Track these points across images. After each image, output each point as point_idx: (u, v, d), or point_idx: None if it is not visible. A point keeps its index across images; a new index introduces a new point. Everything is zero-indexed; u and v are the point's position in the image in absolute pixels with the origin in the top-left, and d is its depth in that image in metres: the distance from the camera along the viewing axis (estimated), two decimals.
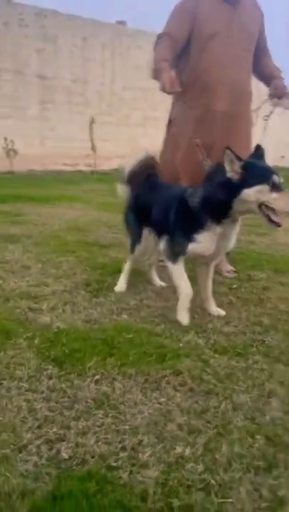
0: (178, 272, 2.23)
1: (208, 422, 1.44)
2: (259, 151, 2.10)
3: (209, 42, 2.73)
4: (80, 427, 1.39)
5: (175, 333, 2.08)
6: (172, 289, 2.62)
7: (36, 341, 1.90)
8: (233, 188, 1.95)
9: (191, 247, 2.13)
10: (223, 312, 2.35)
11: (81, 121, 9.43)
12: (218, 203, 2.02)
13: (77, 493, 1.10)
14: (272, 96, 2.82)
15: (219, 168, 2.01)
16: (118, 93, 10.10)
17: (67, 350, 1.81)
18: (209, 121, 2.75)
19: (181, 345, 1.95)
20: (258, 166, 2.00)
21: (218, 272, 3.06)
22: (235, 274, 3.04)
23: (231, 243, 2.22)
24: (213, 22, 2.73)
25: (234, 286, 2.80)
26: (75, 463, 1.24)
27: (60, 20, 9.34)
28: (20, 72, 9.04)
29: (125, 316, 2.26)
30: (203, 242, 2.10)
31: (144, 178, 2.51)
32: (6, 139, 8.49)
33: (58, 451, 1.28)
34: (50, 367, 1.72)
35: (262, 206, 1.96)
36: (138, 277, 2.84)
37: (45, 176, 8.95)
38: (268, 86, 2.91)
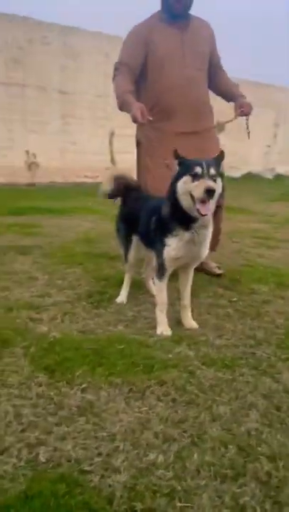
0: (161, 286, 2.34)
1: (184, 432, 1.49)
2: (219, 155, 2.14)
3: (164, 66, 2.88)
4: (61, 432, 1.46)
5: (166, 344, 2.14)
6: (170, 301, 2.69)
7: (32, 350, 1.99)
8: (173, 187, 2.09)
9: (165, 252, 2.21)
10: (195, 325, 2.38)
11: (102, 135, 9.59)
12: (173, 205, 2.12)
13: (47, 494, 1.18)
14: (239, 114, 2.95)
15: None
16: None
17: (58, 359, 1.90)
18: (173, 142, 2.74)
19: (170, 356, 2.01)
20: (189, 161, 2.07)
21: (208, 272, 3.25)
22: (222, 270, 3.26)
23: (204, 249, 2.26)
24: (165, 47, 2.87)
25: (234, 299, 2.83)
26: (50, 466, 1.31)
27: (83, 37, 9.59)
28: (44, 88, 9.32)
29: (121, 327, 2.33)
30: (173, 247, 2.18)
31: (122, 193, 2.70)
32: (27, 152, 8.74)
33: (37, 455, 1.36)
34: (42, 375, 1.80)
35: (193, 198, 2.02)
36: (141, 289, 2.92)
37: (65, 188, 9.15)
38: (228, 101, 3.09)
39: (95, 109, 9.87)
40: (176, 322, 2.44)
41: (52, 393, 1.68)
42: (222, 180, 2.10)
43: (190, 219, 2.11)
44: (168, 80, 2.89)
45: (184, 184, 2.04)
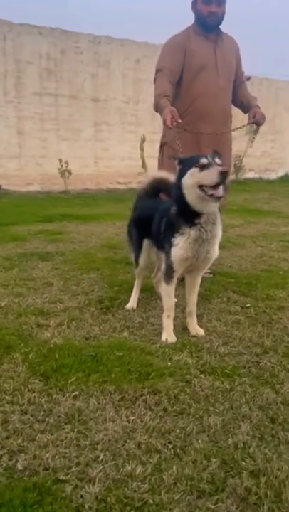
0: (168, 291, 2.31)
1: (169, 442, 1.45)
2: (215, 153, 2.15)
3: (199, 74, 3.07)
4: (44, 440, 1.46)
5: (168, 351, 2.10)
6: (180, 308, 2.66)
7: (31, 356, 2.01)
8: (178, 184, 2.12)
9: (173, 252, 2.19)
10: (201, 332, 2.33)
11: (134, 141, 9.67)
12: (179, 203, 2.13)
13: (16, 503, 1.17)
14: (252, 122, 3.16)
15: None
16: None
17: (55, 366, 1.90)
18: (199, 143, 3.03)
19: (169, 364, 1.97)
20: (190, 157, 2.15)
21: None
22: (211, 275, 3.28)
23: (213, 249, 2.23)
24: (201, 56, 3.08)
25: (247, 305, 2.75)
26: (27, 474, 1.31)
27: (113, 45, 9.70)
28: (76, 97, 9.48)
29: (125, 334, 2.31)
30: (180, 246, 2.16)
31: (155, 195, 2.67)
32: (60, 160, 8.91)
33: (16, 462, 1.36)
34: (37, 381, 1.81)
35: (203, 188, 2.04)
36: (153, 295, 2.90)
37: (97, 194, 9.26)
38: (245, 112, 3.28)
39: (124, 115, 9.94)
40: (182, 328, 2.40)
41: (43, 400, 1.68)
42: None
43: (195, 215, 2.11)
44: (201, 86, 3.09)
45: (192, 176, 2.06)
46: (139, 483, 1.27)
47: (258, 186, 11.14)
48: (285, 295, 2.96)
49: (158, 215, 2.42)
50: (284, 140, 13.23)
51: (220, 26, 3.15)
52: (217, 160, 2.05)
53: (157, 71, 3.10)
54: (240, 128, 3.27)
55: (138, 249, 2.67)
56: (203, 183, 2.03)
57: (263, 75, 12.50)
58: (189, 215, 2.13)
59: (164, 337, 2.26)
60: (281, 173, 13.06)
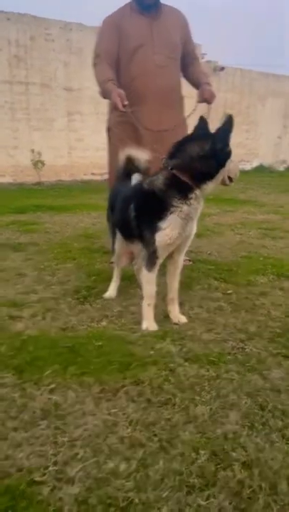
0: (150, 278, 2.17)
1: (154, 435, 1.35)
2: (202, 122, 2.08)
3: (134, 54, 2.86)
4: (18, 438, 1.34)
5: (150, 340, 2.00)
6: (160, 296, 2.55)
7: (2, 349, 1.87)
8: (218, 161, 1.99)
9: (158, 237, 2.04)
10: (184, 319, 2.24)
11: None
12: (172, 178, 2.01)
13: None
14: (200, 101, 2.92)
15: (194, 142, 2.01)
16: None
17: (29, 358, 1.77)
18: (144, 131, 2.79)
19: (151, 353, 1.87)
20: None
21: None
22: (191, 262, 3.19)
23: (194, 226, 2.15)
24: (136, 35, 2.86)
25: (229, 291, 2.67)
26: None
27: (85, 33, 9.46)
28: (48, 86, 9.24)
29: (104, 323, 2.20)
30: (169, 227, 2.01)
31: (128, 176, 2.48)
32: (33, 150, 8.67)
33: None
34: (10, 375, 1.68)
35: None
36: (133, 283, 2.78)
37: (72, 185, 9.06)
38: (197, 89, 3.04)
39: (98, 105, 9.75)
40: (164, 316, 2.30)
41: (16, 395, 1.55)
42: None
43: (190, 189, 1.99)
44: (137, 67, 2.87)
45: (230, 164, 2.03)
46: (123, 480, 1.17)
47: None
48: (266, 281, 2.89)
49: (122, 201, 2.28)
50: (258, 131, 13.27)
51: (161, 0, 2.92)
52: None
53: (96, 56, 2.88)
54: (192, 112, 2.91)
55: (113, 234, 2.55)
56: (230, 175, 2.04)
57: (237, 66, 12.48)
58: (182, 190, 1.99)
59: (144, 325, 2.15)
60: (256, 163, 13.11)
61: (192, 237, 2.20)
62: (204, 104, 2.98)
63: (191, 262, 3.23)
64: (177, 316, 2.24)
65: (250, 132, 13.12)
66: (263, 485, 1.15)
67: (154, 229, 2.04)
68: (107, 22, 2.93)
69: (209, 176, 1.99)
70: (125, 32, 2.85)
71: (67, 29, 9.28)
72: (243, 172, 12.18)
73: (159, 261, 2.15)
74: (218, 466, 1.22)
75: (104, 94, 2.79)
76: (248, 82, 12.81)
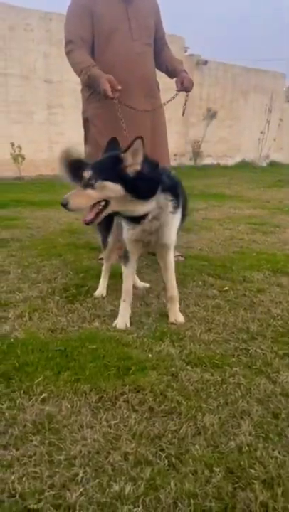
0: (125, 273, 2.12)
1: (162, 450, 1.21)
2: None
3: (110, 40, 2.70)
4: (8, 457, 1.18)
5: (147, 342, 1.86)
6: (154, 294, 2.43)
7: None
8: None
9: (124, 233, 2.04)
10: (181, 319, 2.10)
11: None
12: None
13: None
14: (180, 89, 2.85)
15: None
16: None
17: (18, 364, 1.62)
18: (125, 118, 2.63)
19: (150, 356, 1.73)
20: None
21: None
22: (183, 258, 3.09)
23: (165, 236, 2.00)
24: (110, 19, 2.71)
25: (225, 288, 2.55)
26: None
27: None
28: (27, 77, 8.97)
29: (96, 324, 2.05)
30: (129, 227, 1.99)
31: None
32: (12, 144, 8.41)
33: None
34: None
35: None
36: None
37: (53, 180, 8.82)
38: (172, 78, 2.98)
39: (79, 98, 9.54)
40: (160, 315, 2.16)
41: (4, 406, 1.40)
42: None
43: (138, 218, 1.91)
44: (116, 54, 2.72)
45: None
46: (131, 506, 1.03)
47: (216, 172, 11.06)
48: (262, 277, 2.78)
49: None
50: (241, 126, 13.24)
51: None
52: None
53: (68, 42, 2.69)
54: (171, 100, 2.83)
55: (106, 228, 2.39)
56: None
57: (219, 60, 12.39)
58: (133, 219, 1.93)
59: (115, 322, 2.05)
60: (238, 158, 13.08)
61: (167, 244, 2.06)
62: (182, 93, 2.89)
63: (183, 258, 3.10)
64: (175, 315, 2.11)
65: (232, 127, 13.08)
66: None
67: (122, 226, 2.05)
68: (75, 4, 2.73)
69: None
70: (98, 15, 2.67)
71: (47, 19, 9.03)
72: (226, 167, 12.17)
73: (132, 257, 2.09)
74: (236, 486, 1.09)
75: (91, 80, 2.61)
76: (231, 77, 12.75)
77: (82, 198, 1.78)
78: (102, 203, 1.81)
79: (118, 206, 1.83)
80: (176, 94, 2.87)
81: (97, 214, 1.83)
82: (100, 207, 1.82)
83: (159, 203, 1.88)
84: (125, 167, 1.76)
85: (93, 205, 1.81)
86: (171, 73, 3.01)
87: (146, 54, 2.86)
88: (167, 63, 3.01)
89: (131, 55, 2.74)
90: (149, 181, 1.82)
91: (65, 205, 1.77)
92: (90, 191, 1.76)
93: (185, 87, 2.83)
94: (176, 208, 1.95)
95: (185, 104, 2.93)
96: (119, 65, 2.70)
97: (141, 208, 1.84)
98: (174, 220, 1.99)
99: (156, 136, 2.87)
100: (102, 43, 2.70)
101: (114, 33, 2.69)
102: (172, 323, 2.08)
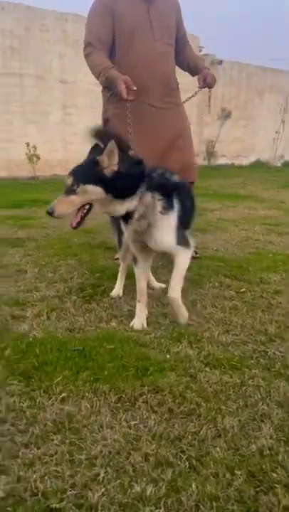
0: (136, 273, 2.14)
1: (182, 452, 1.21)
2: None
3: (133, 40, 2.69)
4: (30, 456, 1.19)
5: (165, 342, 1.86)
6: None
7: (7, 352, 1.72)
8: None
9: (125, 234, 2.06)
10: (182, 320, 2.06)
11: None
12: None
13: None
14: (202, 86, 2.86)
15: None
16: None
17: (37, 363, 1.63)
18: (146, 118, 2.67)
19: (168, 357, 1.73)
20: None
21: None
22: (197, 255, 3.08)
23: (158, 239, 1.94)
24: (132, 19, 2.69)
25: (242, 289, 2.54)
26: (10, 502, 1.04)
27: (81, 24, 9.26)
28: (42, 78, 9.03)
29: (114, 324, 2.06)
30: (125, 228, 2.00)
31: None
32: (28, 144, 8.47)
33: None
34: (16, 382, 1.53)
35: None
36: None
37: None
38: (193, 75, 2.98)
39: (94, 99, 9.56)
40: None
41: (25, 405, 1.41)
42: None
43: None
44: (138, 54, 2.70)
45: None
46: (153, 507, 1.03)
47: (230, 172, 11.01)
48: (279, 278, 2.76)
49: None
50: (256, 125, 13.15)
51: None
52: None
53: (87, 45, 2.68)
54: (192, 97, 2.83)
55: (121, 228, 2.39)
56: None
57: (234, 60, 12.33)
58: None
59: (132, 322, 2.05)
60: (253, 158, 13.00)
61: (164, 247, 1.99)
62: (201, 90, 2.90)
63: (197, 254, 3.08)
64: (173, 316, 2.10)
65: (247, 127, 13.00)
66: None
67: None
68: (97, 5, 2.72)
69: None
70: (119, 14, 2.66)
71: (62, 20, 9.07)
72: (241, 167, 12.10)
73: (140, 258, 2.10)
74: (258, 490, 1.08)
75: (108, 82, 2.60)
76: (246, 76, 12.67)
77: (65, 205, 1.81)
78: (87, 207, 1.84)
79: (101, 208, 1.86)
80: (197, 92, 2.87)
81: (82, 218, 1.86)
82: (85, 210, 1.85)
83: (144, 201, 1.86)
84: (102, 169, 1.77)
85: (78, 210, 1.84)
86: (192, 70, 3.00)
87: (168, 54, 2.85)
88: (189, 60, 3.00)
89: (153, 55, 2.73)
90: (128, 179, 1.82)
91: (50, 214, 1.79)
92: (72, 197, 1.79)
93: (208, 83, 2.83)
94: (166, 208, 1.90)
95: (209, 101, 2.94)
96: (141, 65, 2.70)
97: (120, 207, 1.85)
98: (165, 222, 1.91)
99: (180, 139, 2.88)
100: (124, 43, 2.70)
101: (136, 32, 2.69)
102: (190, 325, 2.06)
